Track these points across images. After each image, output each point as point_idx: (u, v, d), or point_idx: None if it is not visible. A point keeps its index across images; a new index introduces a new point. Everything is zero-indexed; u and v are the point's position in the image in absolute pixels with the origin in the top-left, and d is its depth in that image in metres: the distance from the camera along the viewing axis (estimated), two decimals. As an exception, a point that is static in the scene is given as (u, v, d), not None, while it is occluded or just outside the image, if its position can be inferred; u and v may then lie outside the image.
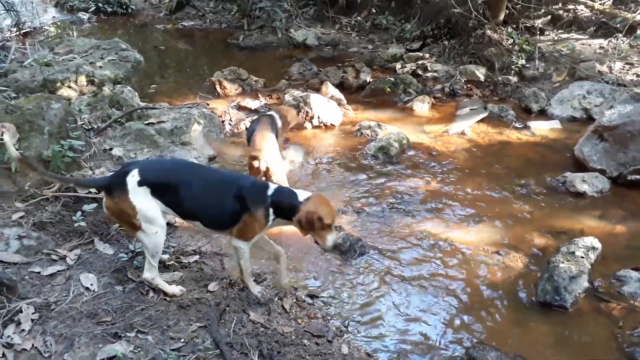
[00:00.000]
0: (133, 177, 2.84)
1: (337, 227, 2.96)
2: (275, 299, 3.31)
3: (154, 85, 7.65)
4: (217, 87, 7.26)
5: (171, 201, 2.93)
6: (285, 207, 2.98)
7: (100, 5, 12.37)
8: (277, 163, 4.29)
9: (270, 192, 2.98)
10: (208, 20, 11.80)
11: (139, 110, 5.37)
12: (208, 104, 6.52)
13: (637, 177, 4.91)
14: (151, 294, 3.14)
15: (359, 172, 5.25)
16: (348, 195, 4.79)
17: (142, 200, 2.84)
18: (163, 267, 3.45)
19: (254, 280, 3.41)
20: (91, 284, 3.09)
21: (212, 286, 3.29)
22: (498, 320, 3.39)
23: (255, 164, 4.15)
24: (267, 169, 4.17)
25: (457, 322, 3.36)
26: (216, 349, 2.72)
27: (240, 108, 6.65)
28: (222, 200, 2.96)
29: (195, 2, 12.42)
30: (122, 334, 2.73)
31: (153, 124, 5.05)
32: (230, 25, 11.39)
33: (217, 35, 10.92)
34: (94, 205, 3.75)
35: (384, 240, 4.14)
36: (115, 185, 2.87)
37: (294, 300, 3.36)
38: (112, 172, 3.03)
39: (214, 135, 5.27)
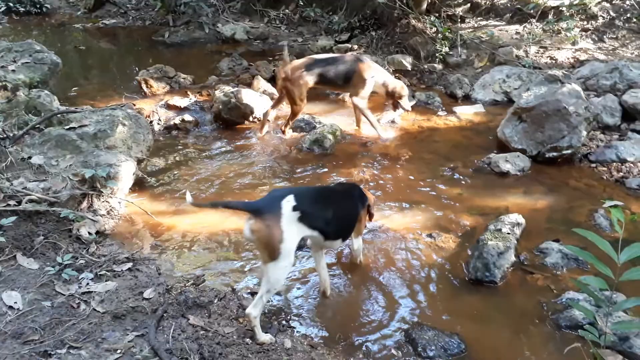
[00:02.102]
0: (288, 203, 2.84)
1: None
2: (215, 300, 3.26)
3: (76, 88, 7.29)
4: (144, 86, 7.02)
5: (318, 225, 3.03)
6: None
7: (11, 4, 11.61)
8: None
9: (365, 195, 3.56)
10: (131, 17, 11.37)
11: (58, 115, 5.07)
12: (134, 105, 6.28)
13: (554, 154, 5.24)
14: (82, 306, 3.01)
15: (296, 165, 5.27)
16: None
17: (290, 229, 2.83)
18: (95, 277, 3.32)
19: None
20: (15, 302, 2.92)
21: (148, 293, 3.20)
22: (434, 300, 3.52)
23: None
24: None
25: (395, 304, 3.45)
26: (155, 357, 2.65)
27: (169, 107, 6.45)
28: (351, 213, 3.39)
29: (116, -1, 11.93)
30: (52, 352, 2.60)
31: (74, 128, 4.79)
32: (154, 22, 11.04)
33: (142, 33, 10.55)
34: (13, 218, 3.53)
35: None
36: (268, 209, 2.83)
37: (235, 299, 3.32)
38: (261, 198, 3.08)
39: (141, 137, 5.08)
